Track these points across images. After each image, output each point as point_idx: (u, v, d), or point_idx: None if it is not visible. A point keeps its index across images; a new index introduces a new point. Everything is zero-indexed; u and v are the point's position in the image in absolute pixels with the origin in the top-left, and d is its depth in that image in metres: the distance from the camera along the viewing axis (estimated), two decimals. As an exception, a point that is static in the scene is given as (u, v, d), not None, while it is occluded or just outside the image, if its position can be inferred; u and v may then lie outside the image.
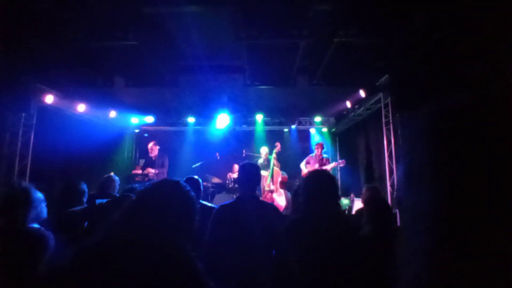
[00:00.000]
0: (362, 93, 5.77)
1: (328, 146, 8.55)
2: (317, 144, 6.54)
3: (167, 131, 8.96)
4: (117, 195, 3.54)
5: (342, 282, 1.35)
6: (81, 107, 6.50)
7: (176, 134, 9.15)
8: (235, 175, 7.15)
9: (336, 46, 3.66)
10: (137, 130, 9.18)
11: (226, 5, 3.35)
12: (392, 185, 5.22)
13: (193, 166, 7.93)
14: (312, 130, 8.89)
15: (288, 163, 7.53)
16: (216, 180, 7.63)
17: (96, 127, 7.45)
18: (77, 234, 1.89)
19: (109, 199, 3.14)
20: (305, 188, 1.73)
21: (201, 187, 2.94)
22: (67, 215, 2.43)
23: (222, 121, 8.15)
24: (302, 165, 6.59)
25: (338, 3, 3.26)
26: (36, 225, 1.65)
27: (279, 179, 6.19)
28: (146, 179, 6.21)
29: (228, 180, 7.30)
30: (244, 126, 8.82)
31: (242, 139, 8.92)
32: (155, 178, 6.17)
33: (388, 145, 5.37)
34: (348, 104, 6.78)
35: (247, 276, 1.85)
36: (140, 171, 6.53)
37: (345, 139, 8.73)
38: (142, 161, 7.46)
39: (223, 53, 4.86)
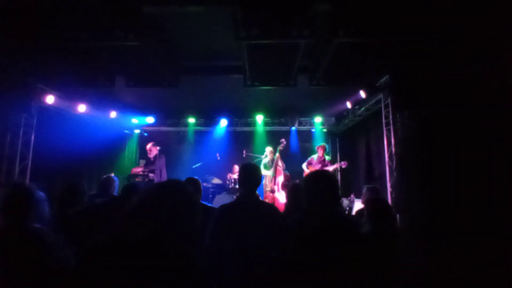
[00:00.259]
0: (362, 94, 5.77)
1: (328, 146, 8.56)
2: (320, 146, 6.58)
3: (167, 131, 8.98)
4: (116, 195, 3.55)
5: (343, 281, 1.35)
6: (81, 108, 6.51)
7: (176, 134, 9.16)
8: (235, 176, 7.15)
9: (337, 46, 3.65)
10: (137, 131, 9.20)
11: (227, 5, 3.35)
12: (392, 186, 5.21)
13: (194, 166, 7.94)
14: (313, 130, 8.91)
15: (288, 163, 7.53)
16: (216, 180, 7.64)
17: (97, 127, 7.46)
18: (78, 234, 1.89)
19: (108, 199, 3.16)
20: (306, 188, 1.73)
21: (201, 187, 2.95)
22: (68, 215, 2.43)
23: (222, 122, 8.19)
24: (304, 166, 6.61)
25: (339, 3, 3.26)
26: (37, 225, 1.65)
27: (281, 180, 6.19)
28: (146, 179, 6.23)
29: (228, 181, 7.30)
30: (244, 126, 8.83)
31: (242, 140, 8.93)
32: (155, 179, 6.19)
33: (388, 146, 5.37)
34: (349, 104, 6.78)
35: (248, 277, 1.85)
36: (139, 170, 6.54)
37: (345, 139, 8.74)
38: (142, 162, 7.47)
39: (223, 53, 4.86)
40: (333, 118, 8.60)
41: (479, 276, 0.41)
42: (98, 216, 2.08)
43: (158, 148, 6.48)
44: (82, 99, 6.47)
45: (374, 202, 2.18)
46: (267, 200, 5.96)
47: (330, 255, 1.40)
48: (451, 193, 0.43)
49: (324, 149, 6.53)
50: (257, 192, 2.25)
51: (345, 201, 5.87)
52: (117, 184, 3.65)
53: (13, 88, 4.49)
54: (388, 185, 5.31)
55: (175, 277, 0.95)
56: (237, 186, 6.62)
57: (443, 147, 0.46)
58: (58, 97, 5.83)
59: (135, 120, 8.31)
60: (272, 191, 6.15)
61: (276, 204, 5.50)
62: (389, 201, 5.02)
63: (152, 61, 4.29)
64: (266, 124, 8.66)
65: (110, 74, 4.85)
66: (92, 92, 6.18)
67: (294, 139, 8.75)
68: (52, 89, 5.60)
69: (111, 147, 8.16)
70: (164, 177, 6.34)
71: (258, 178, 2.23)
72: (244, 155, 7.38)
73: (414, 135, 0.52)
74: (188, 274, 0.98)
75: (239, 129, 8.85)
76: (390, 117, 5.25)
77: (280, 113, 8.40)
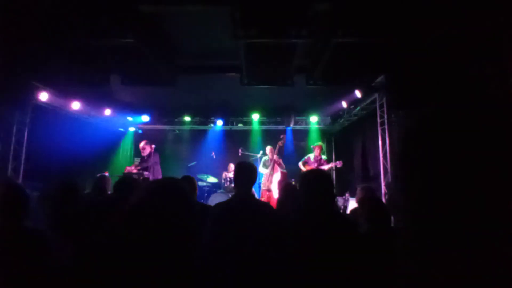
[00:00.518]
0: (358, 93, 5.80)
1: (323, 145, 8.60)
2: (317, 145, 6.60)
3: (162, 129, 8.93)
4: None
5: (342, 281, 1.36)
6: (75, 105, 6.43)
7: (171, 132, 9.12)
8: (230, 175, 7.14)
9: (334, 46, 3.66)
10: (132, 129, 9.13)
11: (226, 4, 3.34)
12: (386, 185, 5.26)
13: (189, 165, 7.91)
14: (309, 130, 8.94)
15: (283, 162, 7.54)
16: (211, 179, 7.62)
17: (91, 125, 7.39)
18: (74, 233, 1.88)
19: (103, 198, 3.14)
20: (302, 186, 1.74)
21: (197, 186, 2.94)
22: (63, 214, 2.41)
23: (218, 121, 8.17)
24: (301, 164, 6.64)
25: (338, 2, 3.27)
26: (32, 225, 1.64)
27: (278, 178, 6.20)
28: (141, 178, 6.18)
29: (224, 179, 7.29)
30: (240, 125, 8.82)
31: (238, 139, 8.92)
32: (150, 177, 6.15)
33: (383, 145, 5.41)
34: (344, 104, 6.82)
35: (244, 275, 1.86)
36: (133, 169, 6.49)
37: (340, 138, 8.78)
38: (137, 160, 7.42)
39: (220, 52, 4.85)
40: (329, 118, 8.63)
41: (479, 276, 0.41)
42: (94, 215, 2.07)
43: (153, 146, 6.43)
44: (77, 97, 6.40)
45: (369, 201, 2.19)
46: (263, 199, 5.96)
47: (329, 254, 1.41)
48: (451, 192, 0.43)
49: (321, 149, 6.56)
50: (253, 189, 2.26)
51: (339, 200, 5.90)
52: (111, 183, 3.63)
53: (6, 85, 4.42)
54: (383, 184, 5.35)
55: (173, 276, 0.95)
56: (232, 185, 6.62)
57: (442, 146, 0.46)
58: (52, 94, 5.75)
59: (130, 118, 8.24)
60: (269, 190, 6.16)
61: (271, 203, 5.51)
62: (384, 200, 5.07)
63: (149, 60, 4.26)
64: (262, 123, 8.67)
65: (106, 71, 4.80)
66: (87, 89, 6.10)
67: (289, 138, 8.76)
68: (46, 86, 5.53)
69: (106, 145, 8.09)
70: (157, 175, 6.29)
71: (254, 176, 2.24)
72: (240, 154, 7.37)
73: (412, 134, 0.52)
74: (186, 272, 0.99)
75: (235, 127, 8.85)
76: (385, 117, 5.29)
77: (276, 112, 8.41)
